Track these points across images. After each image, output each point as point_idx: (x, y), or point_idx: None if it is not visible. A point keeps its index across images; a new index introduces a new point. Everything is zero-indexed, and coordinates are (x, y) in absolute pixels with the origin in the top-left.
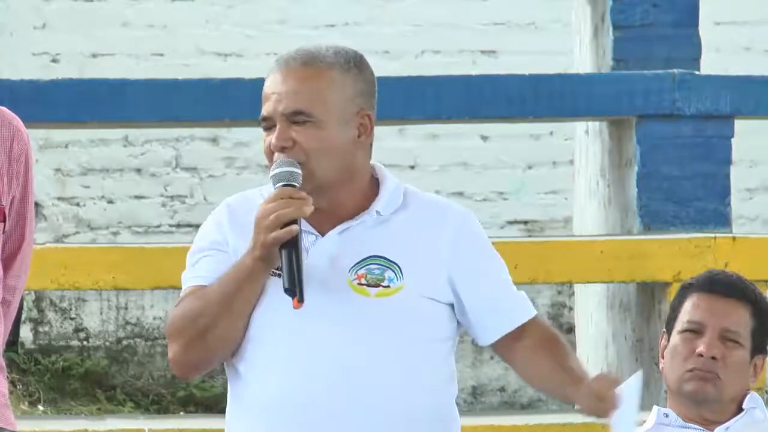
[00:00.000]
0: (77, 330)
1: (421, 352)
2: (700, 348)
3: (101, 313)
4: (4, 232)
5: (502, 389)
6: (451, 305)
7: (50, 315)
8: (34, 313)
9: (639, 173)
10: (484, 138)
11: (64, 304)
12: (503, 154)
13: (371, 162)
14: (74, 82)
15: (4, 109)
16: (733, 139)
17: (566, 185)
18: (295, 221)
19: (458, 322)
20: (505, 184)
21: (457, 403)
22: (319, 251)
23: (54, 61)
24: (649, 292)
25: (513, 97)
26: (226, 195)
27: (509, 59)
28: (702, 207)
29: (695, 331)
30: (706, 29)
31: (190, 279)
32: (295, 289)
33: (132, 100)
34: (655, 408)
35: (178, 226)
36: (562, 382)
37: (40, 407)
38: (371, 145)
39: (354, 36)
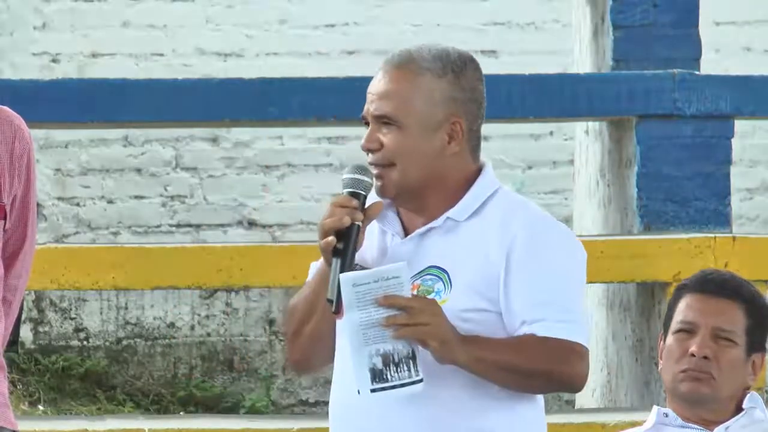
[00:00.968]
0: (77, 330)
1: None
2: (692, 348)
3: (101, 313)
4: (5, 230)
5: None
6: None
7: (50, 315)
8: (34, 313)
9: (639, 173)
10: (485, 138)
11: (64, 304)
12: (503, 154)
13: (482, 161)
14: (74, 82)
15: (5, 108)
16: (733, 139)
17: (566, 185)
18: (344, 229)
19: None
20: (505, 184)
21: None
22: (393, 257)
23: (54, 61)
24: (649, 292)
25: (513, 97)
26: (226, 195)
27: (509, 59)
28: (702, 207)
29: (688, 331)
30: (706, 29)
31: (309, 272)
32: (333, 300)
33: (132, 100)
34: (654, 408)
35: (178, 226)
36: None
37: (40, 407)
38: (475, 148)
39: (354, 36)
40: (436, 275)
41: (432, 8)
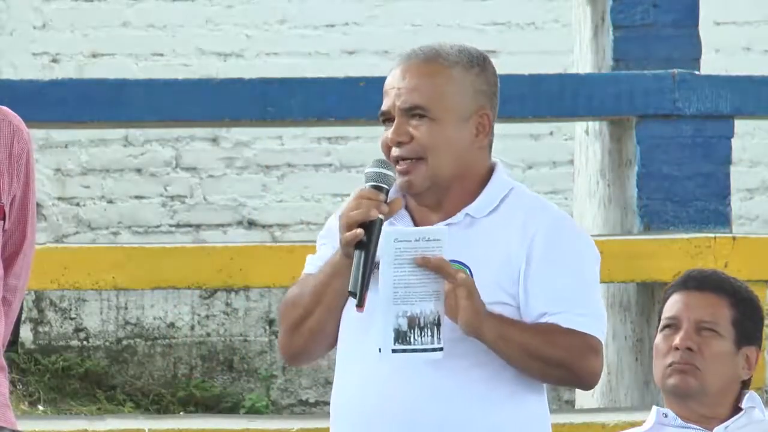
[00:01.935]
0: (77, 330)
1: (484, 357)
2: (676, 341)
3: (101, 313)
4: (4, 230)
5: None
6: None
7: (50, 315)
8: (34, 313)
9: (639, 173)
10: None
11: (64, 304)
12: (503, 154)
13: (493, 160)
14: (74, 82)
15: (4, 108)
16: (733, 139)
17: (566, 185)
18: (368, 223)
19: None
20: None
21: None
22: None
23: (54, 61)
24: (649, 292)
25: (513, 97)
26: (226, 195)
27: (509, 59)
28: (702, 207)
29: (672, 326)
30: (706, 29)
31: (307, 265)
32: (356, 293)
33: (132, 100)
34: (654, 408)
35: (178, 226)
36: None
37: (40, 407)
38: (491, 144)
39: (354, 36)
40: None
41: (432, 8)
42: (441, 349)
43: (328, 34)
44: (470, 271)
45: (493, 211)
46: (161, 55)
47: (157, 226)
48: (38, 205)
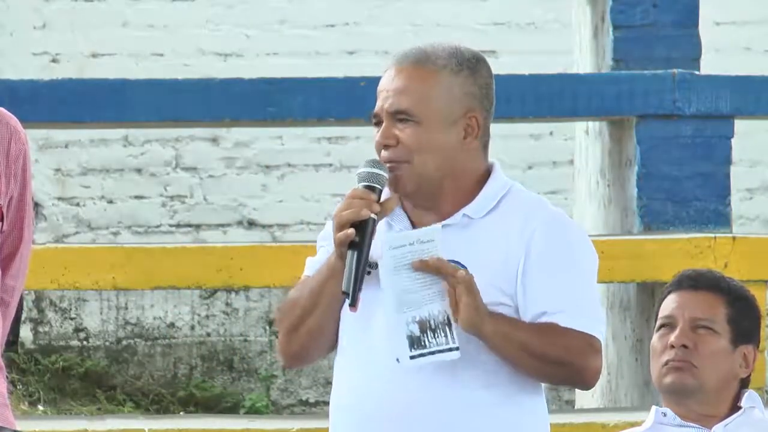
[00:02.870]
0: (77, 330)
1: (477, 357)
2: (671, 339)
3: (101, 313)
4: (2, 231)
5: None
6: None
7: (50, 315)
8: (34, 313)
9: (639, 173)
10: None
11: (64, 304)
12: (503, 154)
13: (491, 161)
14: (74, 82)
15: (1, 109)
16: (733, 139)
17: (566, 185)
18: (360, 223)
19: None
20: None
21: None
22: None
23: (54, 61)
24: (649, 292)
25: (513, 97)
26: (226, 195)
27: (509, 59)
28: (702, 207)
29: (668, 325)
30: (706, 29)
31: (306, 267)
32: (349, 292)
33: (132, 100)
34: (653, 407)
35: (178, 226)
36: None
37: (40, 407)
38: (486, 145)
39: (354, 36)
40: None
41: (432, 8)
42: (457, 348)
43: (328, 34)
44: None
45: (491, 212)
46: (161, 55)
47: (157, 226)
48: (38, 205)
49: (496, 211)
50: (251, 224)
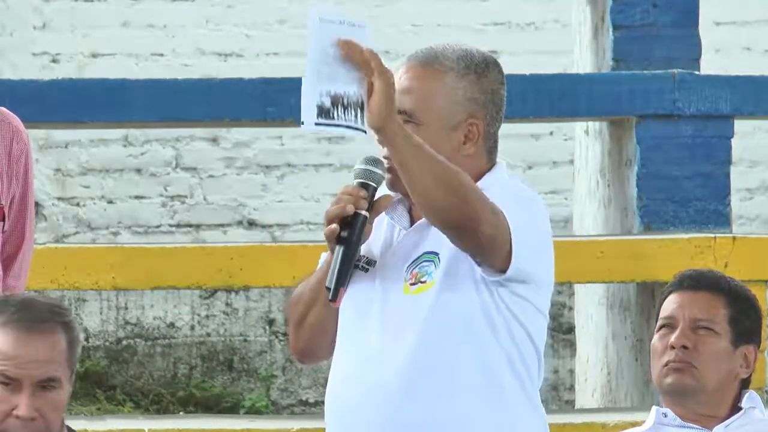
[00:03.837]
0: None
1: (450, 345)
2: (671, 340)
3: (101, 313)
4: (4, 231)
5: None
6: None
7: None
8: None
9: (639, 173)
10: None
11: (64, 304)
12: (503, 154)
13: (498, 162)
14: (74, 82)
15: (3, 109)
16: (733, 139)
17: (566, 185)
18: (348, 218)
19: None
20: None
21: None
22: (396, 250)
23: (54, 61)
24: (649, 292)
25: (513, 97)
26: (226, 195)
27: (509, 59)
28: (702, 207)
29: (668, 326)
30: (706, 29)
31: (319, 262)
32: (330, 287)
33: (132, 100)
34: (653, 408)
35: (178, 226)
36: None
37: None
38: (491, 149)
39: None
40: (429, 259)
41: (432, 8)
42: (364, 131)
43: None
44: (439, 257)
45: None
46: (161, 55)
47: (157, 226)
48: (38, 205)
49: None
50: (251, 224)
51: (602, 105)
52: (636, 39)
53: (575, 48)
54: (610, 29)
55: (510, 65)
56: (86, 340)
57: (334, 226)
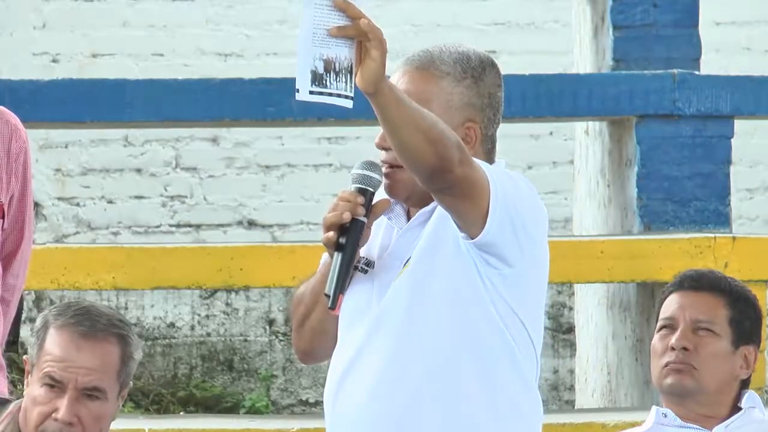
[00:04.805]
0: None
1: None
2: (672, 341)
3: None
4: (3, 229)
5: None
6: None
7: None
8: (35, 313)
9: (639, 173)
10: None
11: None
12: (503, 154)
13: (498, 161)
14: (74, 82)
15: (2, 108)
16: (733, 139)
17: (566, 185)
18: (346, 224)
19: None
20: None
21: None
22: (393, 251)
23: (54, 61)
24: (649, 292)
25: (513, 97)
26: (226, 195)
27: (509, 59)
28: (702, 207)
29: (669, 327)
30: (706, 29)
31: (321, 262)
32: (329, 294)
33: (132, 100)
34: (653, 408)
35: (178, 226)
36: None
37: None
38: (489, 151)
39: None
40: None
41: (432, 8)
42: (352, 98)
43: None
44: (417, 245)
45: None
46: (161, 55)
47: (157, 226)
48: (38, 205)
49: None
50: (251, 224)
51: (602, 105)
52: (636, 39)
53: (575, 48)
54: (610, 29)
55: (510, 65)
56: None
57: (331, 234)
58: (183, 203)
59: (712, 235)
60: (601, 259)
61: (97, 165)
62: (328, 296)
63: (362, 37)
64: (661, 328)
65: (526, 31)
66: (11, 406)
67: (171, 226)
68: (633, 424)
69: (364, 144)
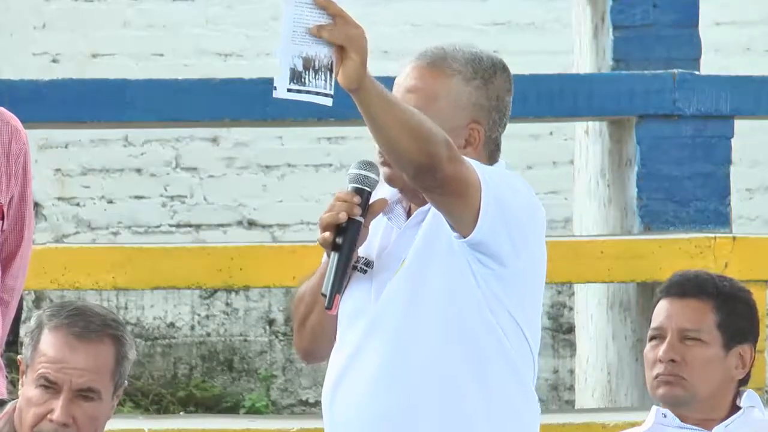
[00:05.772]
0: None
1: (420, 320)
2: (659, 354)
3: None
4: (2, 231)
5: None
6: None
7: None
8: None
9: (639, 173)
10: None
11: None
12: (503, 154)
13: (498, 162)
14: (74, 82)
15: (2, 109)
16: (733, 139)
17: (566, 185)
18: (342, 224)
19: (479, 265)
20: None
21: None
22: (391, 250)
23: (54, 61)
24: (649, 292)
25: (513, 97)
26: (226, 195)
27: (509, 59)
28: (702, 207)
29: (658, 337)
30: (706, 29)
31: (322, 260)
32: (325, 294)
33: (132, 100)
34: (653, 408)
35: (178, 226)
36: None
37: None
38: (492, 153)
39: None
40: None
41: (432, 8)
42: (332, 96)
43: None
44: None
45: None
46: (161, 55)
47: (157, 226)
48: (38, 205)
49: None
50: (251, 224)
51: (602, 105)
52: (636, 39)
53: (575, 48)
54: (610, 29)
55: (510, 65)
56: None
57: (327, 234)
58: (183, 203)
59: (712, 235)
60: (601, 259)
61: (97, 165)
62: (324, 296)
63: (338, 43)
64: (651, 339)
65: (526, 31)
66: (8, 407)
67: (171, 226)
68: (633, 424)
69: (364, 144)
